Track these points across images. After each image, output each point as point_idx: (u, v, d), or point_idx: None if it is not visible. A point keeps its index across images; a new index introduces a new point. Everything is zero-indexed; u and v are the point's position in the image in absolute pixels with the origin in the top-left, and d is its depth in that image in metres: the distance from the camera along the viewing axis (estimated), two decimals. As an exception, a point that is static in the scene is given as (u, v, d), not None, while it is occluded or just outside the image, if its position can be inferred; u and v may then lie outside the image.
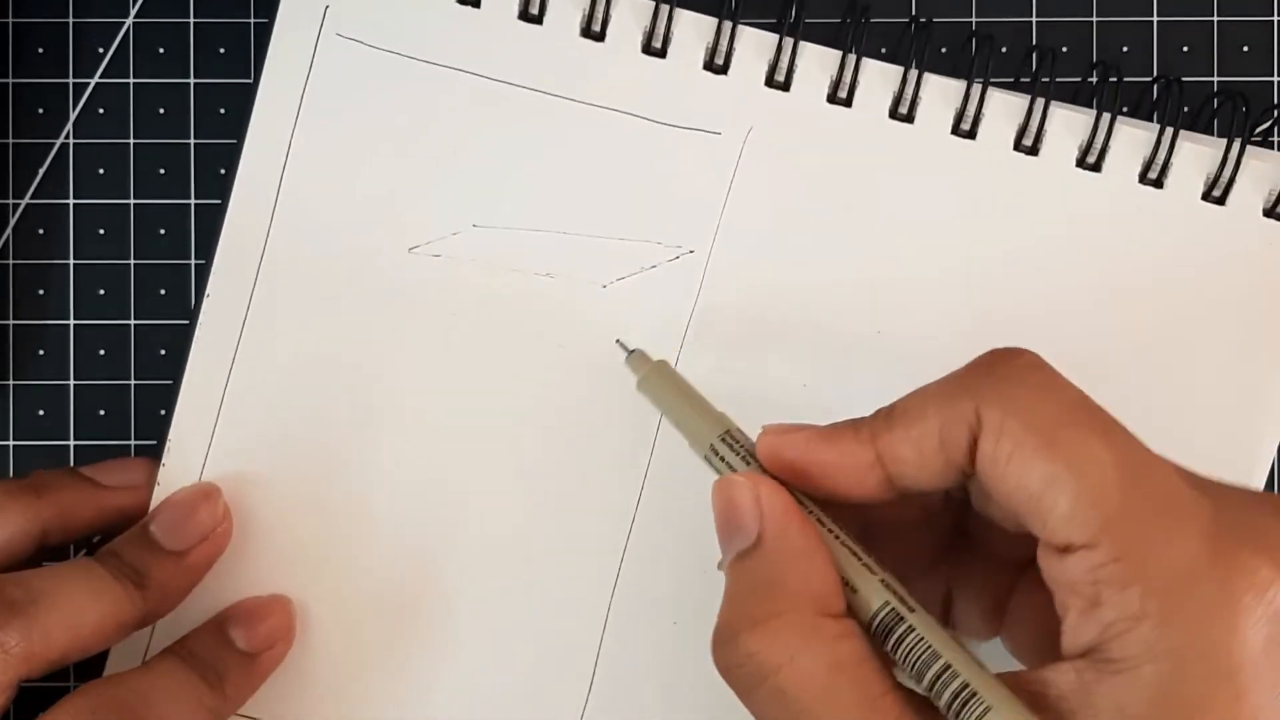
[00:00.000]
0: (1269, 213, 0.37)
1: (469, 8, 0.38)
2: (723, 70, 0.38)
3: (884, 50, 0.38)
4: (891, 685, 0.28)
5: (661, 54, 0.38)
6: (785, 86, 0.38)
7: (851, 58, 0.37)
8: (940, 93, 0.38)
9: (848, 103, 0.38)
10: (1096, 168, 0.38)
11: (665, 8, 0.37)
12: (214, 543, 0.36)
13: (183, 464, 0.38)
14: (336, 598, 0.38)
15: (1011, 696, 0.27)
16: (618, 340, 0.36)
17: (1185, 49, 0.40)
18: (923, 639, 0.28)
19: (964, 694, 0.27)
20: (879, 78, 0.38)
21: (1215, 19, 0.40)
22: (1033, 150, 0.38)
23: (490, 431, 0.38)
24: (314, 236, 0.38)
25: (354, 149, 0.38)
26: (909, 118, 0.38)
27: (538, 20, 0.38)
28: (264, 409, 0.38)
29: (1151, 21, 0.40)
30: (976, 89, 0.37)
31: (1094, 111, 0.37)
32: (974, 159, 0.38)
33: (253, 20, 0.40)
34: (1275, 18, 0.40)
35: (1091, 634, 0.26)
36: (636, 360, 0.35)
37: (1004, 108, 0.38)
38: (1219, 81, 0.40)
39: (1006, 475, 0.27)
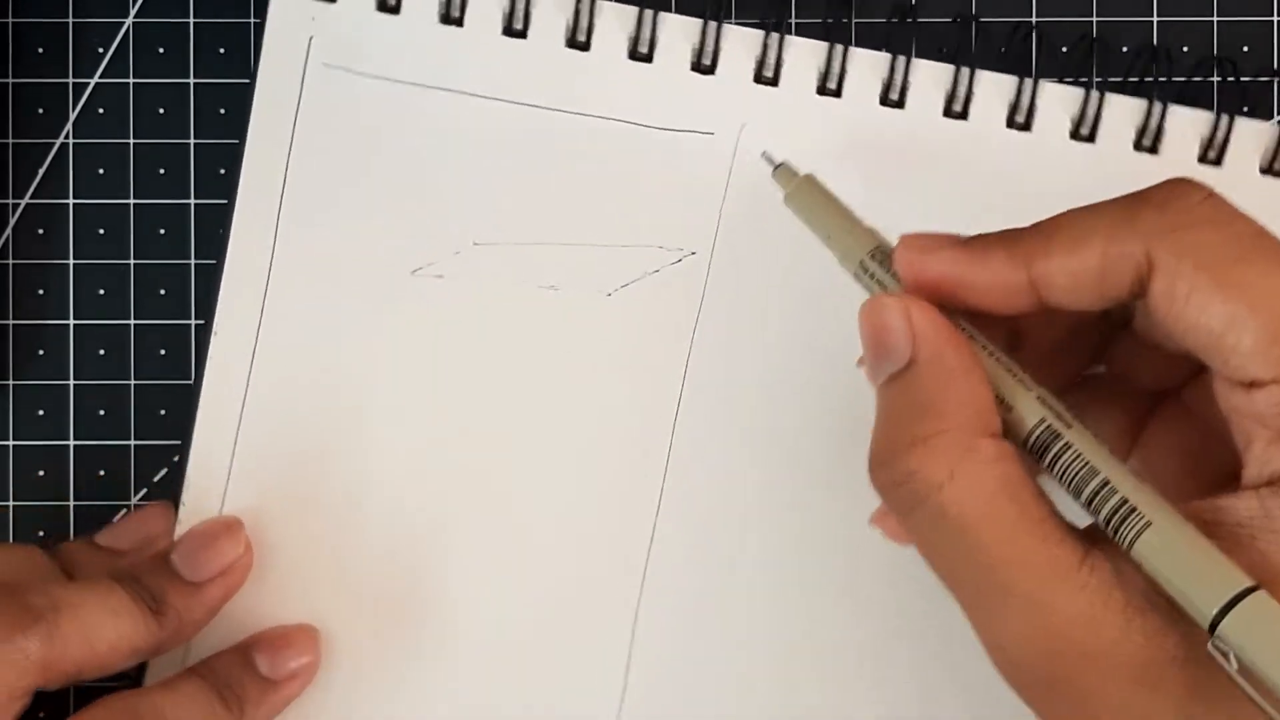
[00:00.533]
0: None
1: (452, 27, 0.38)
2: (710, 70, 0.38)
3: (884, 50, 0.38)
4: (1051, 510, 0.27)
5: (648, 59, 0.38)
6: (774, 81, 0.38)
7: (839, 49, 0.37)
8: (930, 77, 0.38)
9: (837, 93, 0.38)
10: (1091, 138, 0.38)
11: (649, 13, 0.37)
12: (233, 575, 0.36)
13: (202, 501, 0.38)
14: (357, 618, 0.38)
15: (1172, 510, 0.26)
16: (763, 154, 0.35)
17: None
18: (1080, 455, 0.27)
19: (1123, 510, 0.26)
20: (867, 66, 0.38)
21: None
22: (1025, 127, 0.38)
23: (504, 446, 0.38)
24: (316, 268, 0.38)
25: (349, 177, 0.38)
26: (900, 103, 0.38)
27: (522, 35, 0.38)
28: (279, 440, 0.38)
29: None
30: (965, 72, 0.37)
31: (1081, 91, 0.38)
32: (967, 140, 0.38)
33: (253, 20, 0.40)
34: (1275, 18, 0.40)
35: (1278, 465, 0.26)
36: (783, 174, 0.34)
37: (995, 88, 0.38)
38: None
39: (1184, 314, 0.27)
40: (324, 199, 0.38)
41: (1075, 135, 0.38)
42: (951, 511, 0.27)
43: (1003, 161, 0.38)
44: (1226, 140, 0.38)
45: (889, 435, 0.29)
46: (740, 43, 0.38)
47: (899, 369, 0.29)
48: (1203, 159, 0.38)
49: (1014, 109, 0.38)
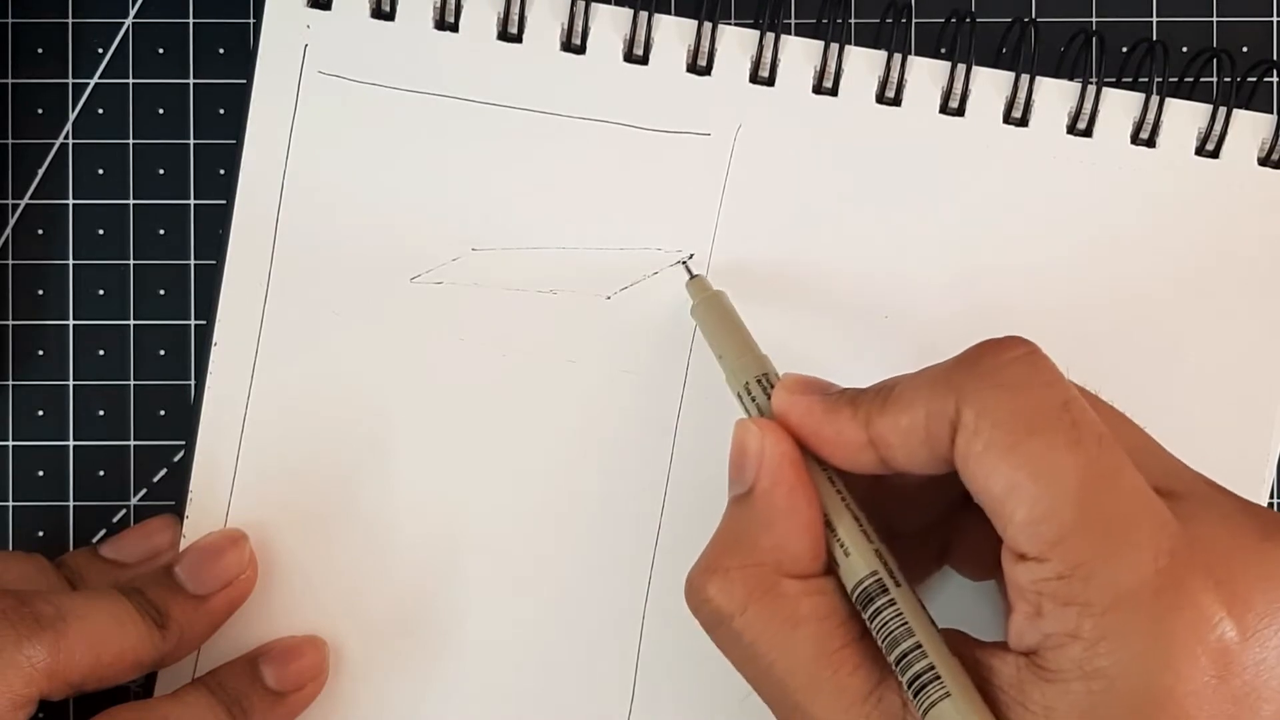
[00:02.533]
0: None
1: (447, 33, 0.38)
2: (706, 71, 0.38)
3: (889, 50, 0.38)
4: (854, 638, 0.29)
5: (644, 61, 0.38)
6: (770, 81, 0.38)
7: (834, 48, 0.37)
8: (926, 74, 0.38)
9: (834, 92, 0.38)
10: (1088, 133, 0.38)
11: (644, 15, 0.37)
12: (237, 589, 0.36)
13: (206, 513, 0.37)
14: (364, 629, 0.37)
15: (971, 689, 0.28)
16: (683, 261, 0.37)
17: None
18: (900, 614, 0.29)
19: (926, 675, 0.28)
20: (863, 65, 0.38)
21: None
22: (1022, 122, 0.38)
23: (507, 452, 0.38)
24: (315, 276, 0.38)
25: (346, 185, 0.38)
26: (896, 101, 0.38)
27: (517, 39, 0.38)
28: (282, 450, 0.38)
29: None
30: (961, 69, 0.37)
31: (1078, 86, 0.38)
32: (964, 136, 0.38)
33: (252, 20, 0.40)
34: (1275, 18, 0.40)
35: (1032, 639, 0.27)
36: (696, 286, 0.36)
37: (992, 84, 0.38)
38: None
39: (975, 475, 0.27)
40: (322, 207, 0.38)
41: (1072, 130, 0.38)
42: (746, 638, 0.29)
43: (1000, 157, 0.38)
44: (1224, 132, 0.38)
45: (706, 557, 0.31)
46: (736, 43, 0.38)
47: (741, 492, 0.31)
48: (1200, 151, 0.38)
49: (1011, 105, 0.38)
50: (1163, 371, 0.38)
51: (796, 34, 0.38)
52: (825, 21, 0.37)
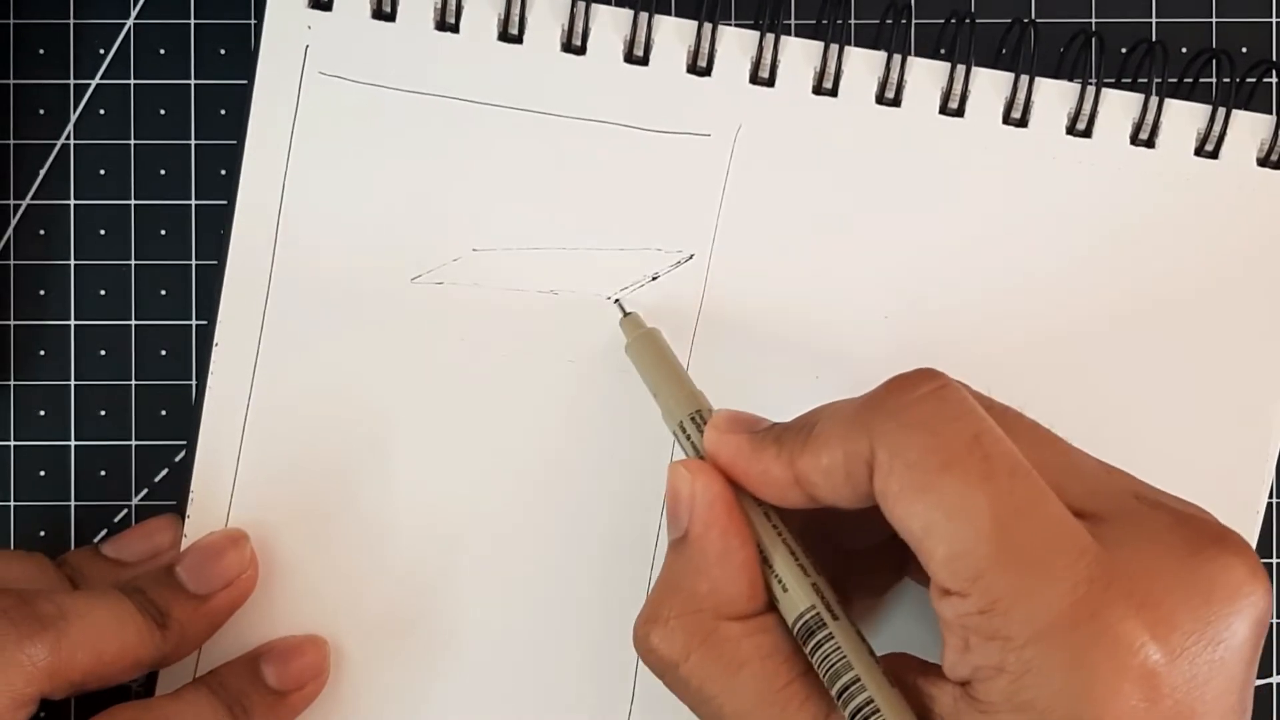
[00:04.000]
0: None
1: (448, 34, 0.38)
2: (706, 72, 0.38)
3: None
4: (799, 673, 0.29)
5: (644, 61, 0.38)
6: (770, 82, 0.38)
7: (834, 48, 0.37)
8: (926, 75, 0.38)
9: (833, 93, 0.38)
10: (1088, 134, 0.38)
11: (644, 16, 0.37)
12: (238, 588, 0.36)
13: (207, 513, 0.37)
14: (363, 626, 0.38)
15: (912, 718, 0.28)
16: (616, 299, 0.37)
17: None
18: (839, 648, 0.29)
19: (867, 709, 0.28)
20: (862, 65, 0.38)
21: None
22: (1021, 122, 0.38)
23: (508, 452, 0.38)
24: (316, 276, 0.38)
25: (348, 185, 0.38)
26: (896, 101, 0.38)
27: (518, 40, 0.38)
28: (283, 451, 0.38)
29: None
30: (960, 70, 0.38)
31: (1078, 87, 0.38)
32: (963, 137, 0.38)
33: (253, 21, 0.40)
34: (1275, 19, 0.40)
35: (964, 671, 0.27)
36: (629, 324, 0.36)
37: (991, 84, 0.38)
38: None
39: (894, 514, 0.27)
40: (323, 207, 0.38)
41: (1071, 131, 0.38)
42: (693, 684, 0.30)
43: (1000, 157, 0.38)
44: (1223, 133, 0.38)
45: (648, 605, 0.31)
46: (736, 44, 0.38)
47: (678, 537, 0.31)
48: (1199, 151, 0.38)
49: (1010, 105, 0.38)
50: (1162, 371, 0.38)
51: (796, 35, 0.38)
52: (825, 22, 0.37)
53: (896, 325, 0.38)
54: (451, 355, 0.38)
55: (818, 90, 0.38)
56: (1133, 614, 0.25)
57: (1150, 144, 0.38)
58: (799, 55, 0.38)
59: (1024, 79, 0.38)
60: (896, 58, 0.37)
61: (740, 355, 0.38)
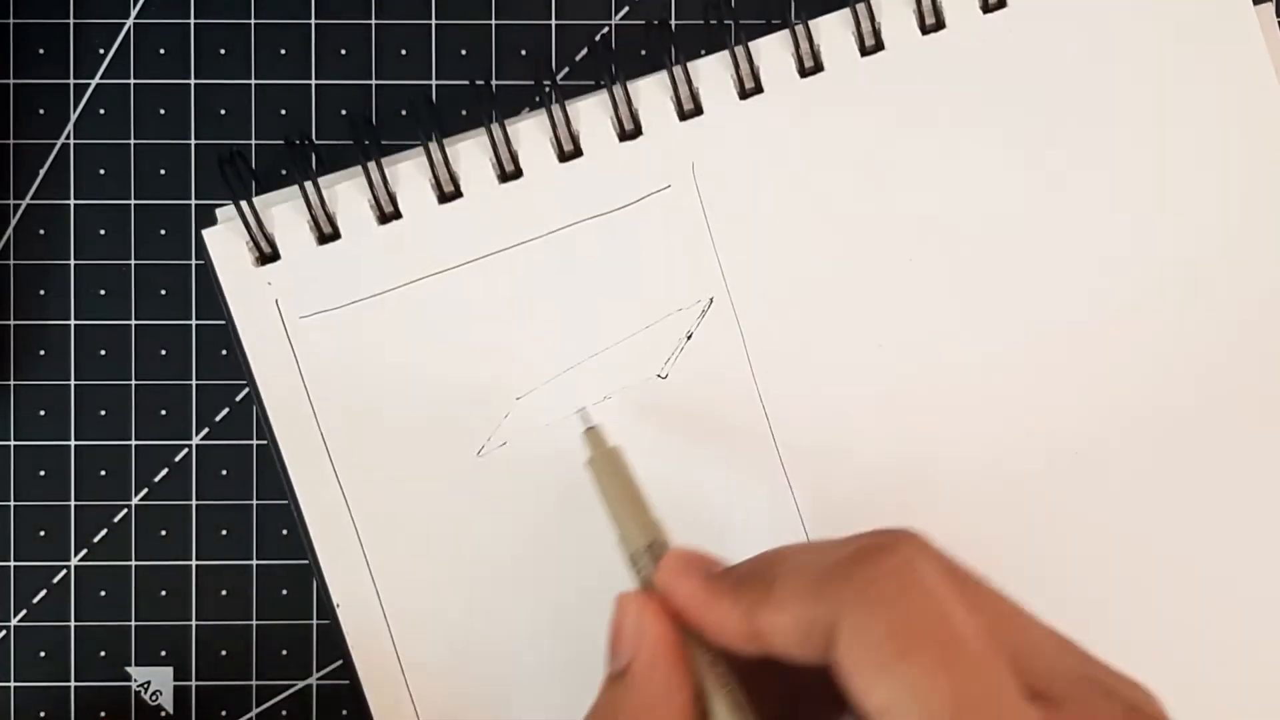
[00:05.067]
0: None
1: (393, 223, 0.37)
2: (637, 133, 0.38)
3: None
4: None
5: (578, 153, 0.38)
6: (698, 110, 0.38)
7: (740, 50, 0.37)
8: (830, 29, 0.38)
9: (759, 90, 0.38)
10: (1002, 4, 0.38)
11: (556, 111, 0.37)
12: None
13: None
14: None
15: None
16: (580, 411, 0.37)
17: None
18: None
19: None
20: (777, 49, 0.38)
21: None
22: (938, 25, 0.38)
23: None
24: (389, 489, 0.37)
25: (377, 396, 0.37)
26: (817, 68, 0.38)
27: (457, 195, 0.37)
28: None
29: None
30: (863, 9, 0.38)
31: None
32: (881, 73, 0.38)
33: (253, 21, 0.40)
34: None
35: None
36: (591, 438, 0.36)
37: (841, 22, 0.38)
38: None
39: (851, 688, 0.27)
40: (364, 424, 0.37)
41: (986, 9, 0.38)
42: None
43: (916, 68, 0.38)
44: None
45: None
46: (651, 94, 0.38)
47: (618, 670, 0.30)
48: None
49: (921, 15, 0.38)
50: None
51: (703, 56, 0.38)
52: (714, 23, 0.37)
53: (922, 267, 0.38)
54: (543, 500, 0.38)
55: (744, 95, 0.38)
56: None
57: None
58: (714, 74, 0.38)
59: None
60: (800, 28, 0.37)
61: (797, 364, 0.38)
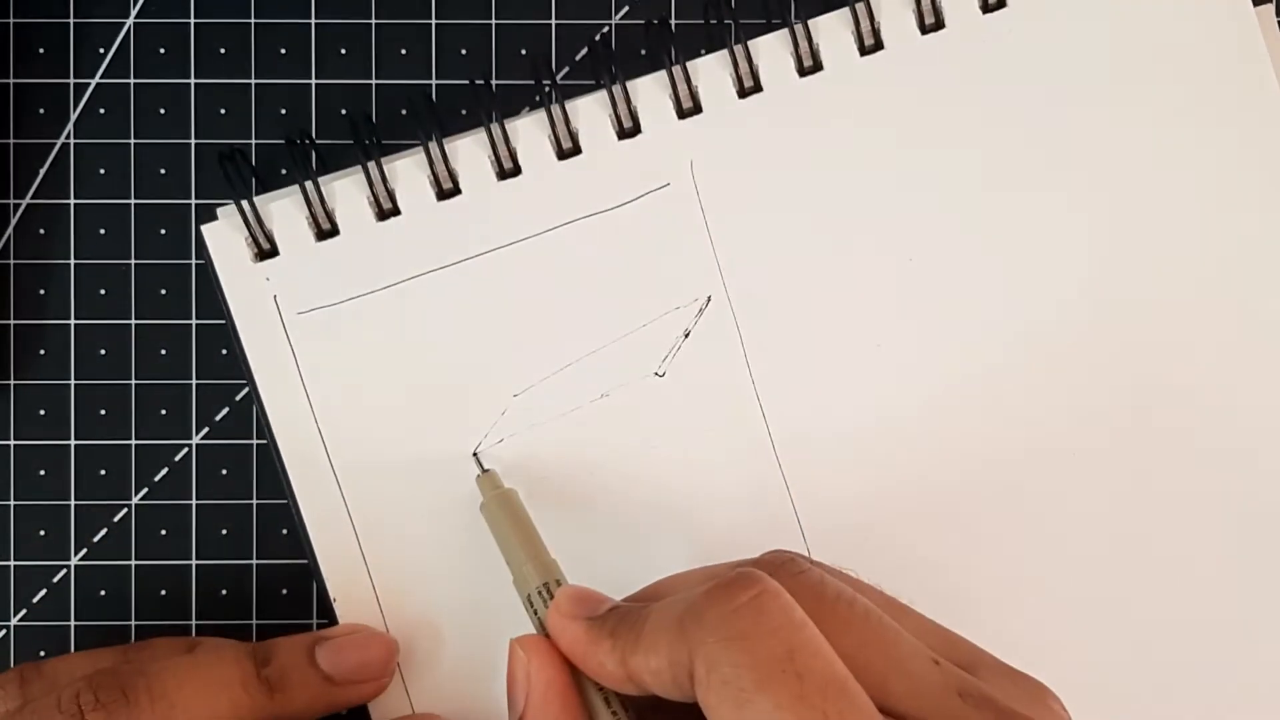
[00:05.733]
0: None
1: (392, 219, 0.37)
2: (635, 130, 0.38)
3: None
4: None
5: (576, 151, 0.38)
6: (697, 109, 0.38)
7: (740, 49, 0.38)
8: (829, 28, 0.38)
9: (758, 89, 0.38)
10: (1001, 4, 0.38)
11: (556, 110, 0.37)
12: (370, 688, 0.36)
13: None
14: None
15: None
16: (474, 455, 0.37)
17: None
18: None
19: None
20: (776, 48, 0.38)
21: None
22: (936, 26, 0.38)
23: (653, 540, 0.38)
24: (386, 486, 0.37)
25: (374, 394, 0.37)
26: (816, 67, 0.38)
27: (456, 192, 0.38)
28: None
29: None
30: (862, 8, 0.38)
31: None
32: (880, 73, 0.38)
33: (253, 21, 0.40)
34: None
35: None
36: (485, 482, 0.36)
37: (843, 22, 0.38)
38: None
39: None
40: (363, 424, 0.37)
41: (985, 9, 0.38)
42: None
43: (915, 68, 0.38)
44: None
45: None
46: (650, 93, 0.38)
47: (516, 717, 0.31)
48: None
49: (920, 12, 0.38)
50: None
51: (702, 56, 0.38)
52: (714, 22, 0.37)
53: (921, 267, 0.38)
54: (540, 496, 0.37)
55: (743, 94, 0.38)
56: None
57: None
58: (712, 72, 0.38)
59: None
60: (800, 27, 0.38)
61: (795, 365, 0.38)
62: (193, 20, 0.40)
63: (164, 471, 0.40)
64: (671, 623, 0.28)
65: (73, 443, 0.40)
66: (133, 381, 0.40)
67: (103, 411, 0.40)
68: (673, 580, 0.31)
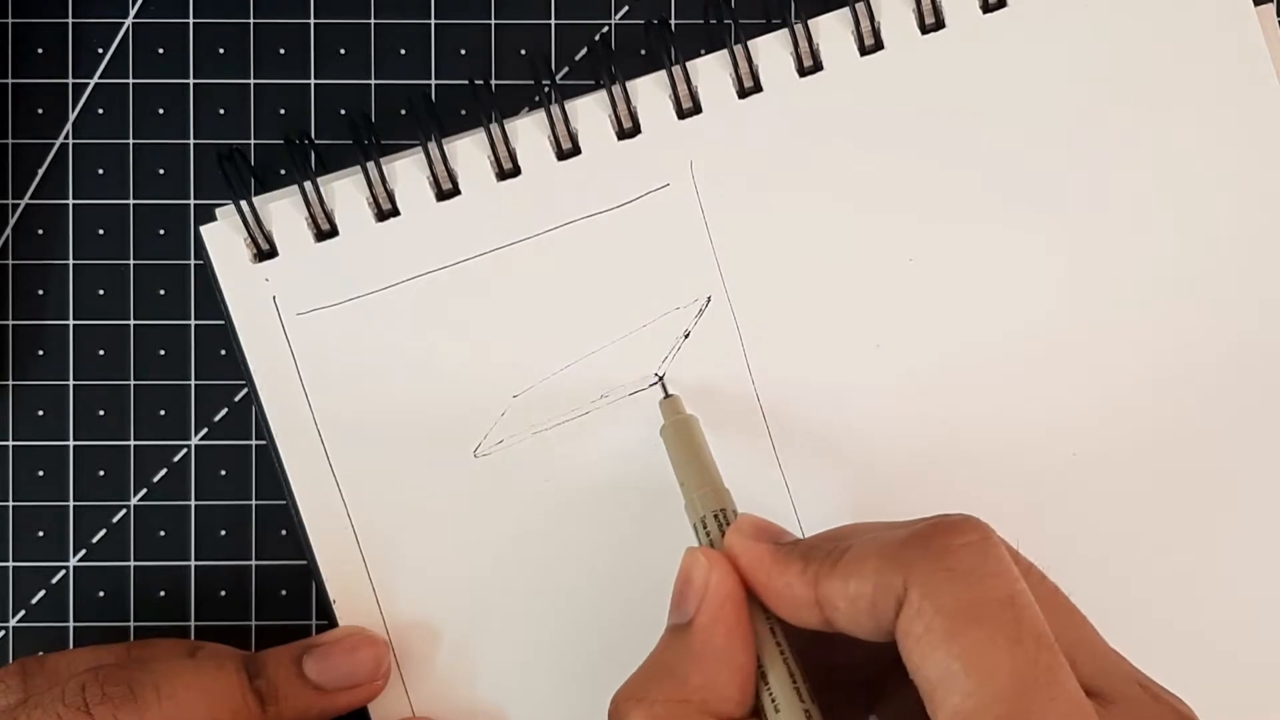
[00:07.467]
0: None
1: (391, 220, 0.37)
2: (635, 131, 0.38)
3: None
4: None
5: (576, 151, 0.38)
6: (696, 109, 0.38)
7: (740, 49, 0.37)
8: (829, 28, 0.38)
9: (758, 88, 0.38)
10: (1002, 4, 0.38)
11: (556, 110, 0.37)
12: (365, 691, 0.36)
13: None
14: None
15: None
16: (659, 379, 0.37)
17: None
18: None
19: None
20: (776, 48, 0.38)
21: None
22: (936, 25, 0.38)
23: (622, 566, 0.38)
24: (386, 486, 0.37)
25: (373, 395, 0.37)
26: (816, 67, 0.38)
27: (455, 193, 0.37)
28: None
29: None
30: (862, 8, 0.38)
31: None
32: (880, 73, 0.38)
33: (252, 21, 0.40)
34: None
35: None
36: (668, 407, 0.36)
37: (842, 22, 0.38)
38: None
39: (913, 655, 0.27)
40: (363, 424, 0.37)
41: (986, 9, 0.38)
42: None
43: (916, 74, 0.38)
44: None
45: (634, 681, 0.30)
46: (650, 90, 0.38)
47: (681, 623, 0.30)
48: None
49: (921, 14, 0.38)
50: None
51: (701, 56, 0.38)
52: (714, 22, 0.37)
53: (921, 267, 0.38)
54: (541, 498, 0.37)
55: (743, 94, 0.38)
56: None
57: None
58: (712, 71, 0.38)
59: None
60: (800, 27, 0.38)
61: (796, 366, 0.38)
62: (191, 20, 0.40)
63: (163, 472, 0.40)
64: (885, 548, 0.28)
65: (71, 443, 0.40)
66: (131, 382, 0.40)
67: (101, 412, 0.40)
68: (851, 526, 0.30)
